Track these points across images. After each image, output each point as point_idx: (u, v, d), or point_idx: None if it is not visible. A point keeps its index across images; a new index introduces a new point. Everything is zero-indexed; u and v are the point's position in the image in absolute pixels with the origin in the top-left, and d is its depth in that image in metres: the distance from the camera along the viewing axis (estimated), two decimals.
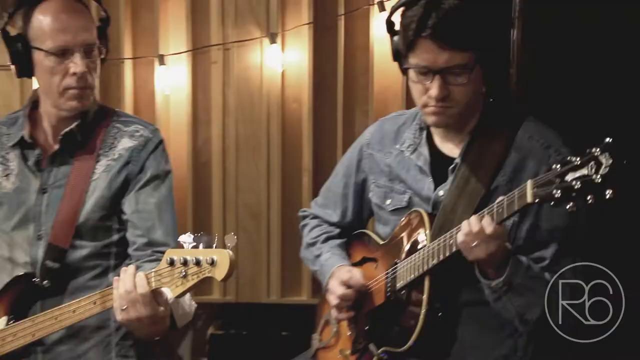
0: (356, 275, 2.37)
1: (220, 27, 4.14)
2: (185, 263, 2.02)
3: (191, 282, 2.02)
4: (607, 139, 1.77)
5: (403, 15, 2.17)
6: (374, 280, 2.37)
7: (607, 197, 1.76)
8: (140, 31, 4.19)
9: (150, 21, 4.17)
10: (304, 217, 2.69)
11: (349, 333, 2.45)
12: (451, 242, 2.09)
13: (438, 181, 2.28)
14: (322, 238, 2.58)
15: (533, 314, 2.13)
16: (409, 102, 4.05)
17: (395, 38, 2.20)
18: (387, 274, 2.32)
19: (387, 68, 3.96)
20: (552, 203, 1.85)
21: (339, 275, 2.39)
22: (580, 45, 3.65)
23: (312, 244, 2.59)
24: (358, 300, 2.40)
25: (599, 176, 1.76)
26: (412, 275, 2.21)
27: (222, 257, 1.99)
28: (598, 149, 1.78)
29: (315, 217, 2.65)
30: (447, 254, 2.11)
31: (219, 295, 4.27)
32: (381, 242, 2.42)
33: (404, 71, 2.18)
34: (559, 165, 1.84)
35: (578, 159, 1.81)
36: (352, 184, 2.53)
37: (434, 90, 2.11)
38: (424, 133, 2.32)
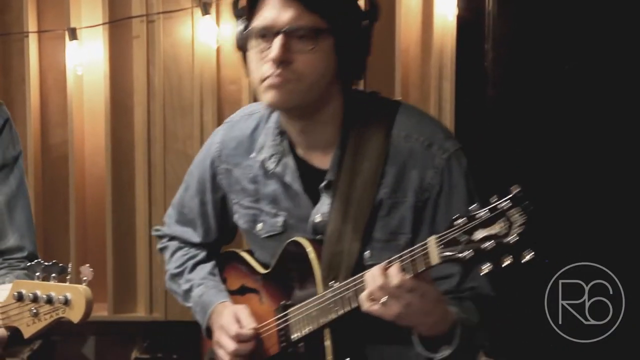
0: (246, 323, 2.19)
1: None
2: (35, 299, 1.91)
3: (44, 323, 1.91)
4: (515, 190, 1.66)
5: None
6: (264, 324, 2.20)
7: (525, 260, 1.65)
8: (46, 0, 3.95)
9: None
10: (160, 238, 2.48)
11: None
12: (350, 295, 1.96)
13: (312, 198, 2.13)
14: (189, 266, 2.37)
15: None
16: (369, 79, 3.78)
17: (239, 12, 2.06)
18: (277, 319, 2.16)
19: None
20: (462, 264, 1.73)
21: (222, 325, 2.21)
22: (562, 14, 3.60)
23: (178, 275, 2.39)
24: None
25: (513, 237, 1.65)
26: (310, 328, 2.07)
27: (77, 295, 1.87)
28: (507, 204, 1.66)
29: (173, 237, 2.43)
30: (349, 309, 1.97)
31: (145, 313, 4.00)
32: (262, 271, 2.25)
33: (244, 55, 2.03)
34: (465, 220, 1.71)
35: (487, 212, 1.68)
36: (209, 202, 2.33)
37: (273, 51, 1.95)
38: (286, 139, 2.14)
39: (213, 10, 3.80)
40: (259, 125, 2.20)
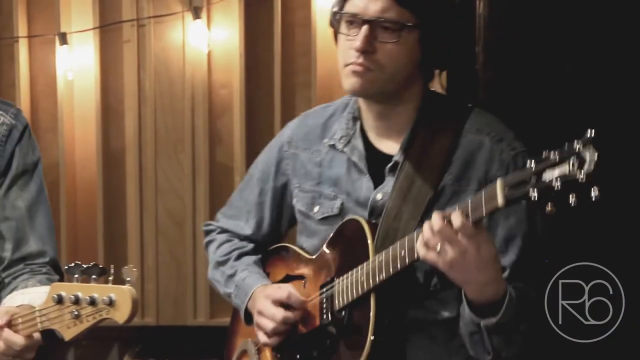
0: (293, 291, 2.19)
1: None
2: (76, 302, 1.90)
3: (86, 324, 1.90)
4: (590, 131, 1.65)
5: None
6: (309, 299, 2.21)
7: (594, 197, 1.65)
8: (37, 4, 3.96)
9: None
10: (209, 232, 2.48)
11: None
12: (403, 253, 1.94)
13: (374, 182, 2.15)
14: (235, 255, 2.38)
15: (510, 351, 1.99)
16: None
17: None
18: (321, 292, 2.16)
19: (332, 47, 3.79)
20: (526, 203, 1.77)
21: (270, 293, 2.21)
22: (554, 17, 3.52)
23: (223, 263, 2.39)
24: None
25: (582, 174, 1.64)
26: (355, 294, 2.05)
27: (121, 296, 1.87)
28: (580, 143, 1.65)
29: (223, 230, 2.44)
30: (399, 266, 1.95)
31: (137, 317, 3.81)
32: (309, 257, 2.25)
33: (336, 36, 2.09)
34: (533, 162, 1.72)
35: (556, 154, 1.68)
36: (269, 190, 2.36)
37: (358, 40, 2.01)
38: (358, 124, 2.19)
39: (204, 14, 3.82)
40: (334, 114, 2.26)
